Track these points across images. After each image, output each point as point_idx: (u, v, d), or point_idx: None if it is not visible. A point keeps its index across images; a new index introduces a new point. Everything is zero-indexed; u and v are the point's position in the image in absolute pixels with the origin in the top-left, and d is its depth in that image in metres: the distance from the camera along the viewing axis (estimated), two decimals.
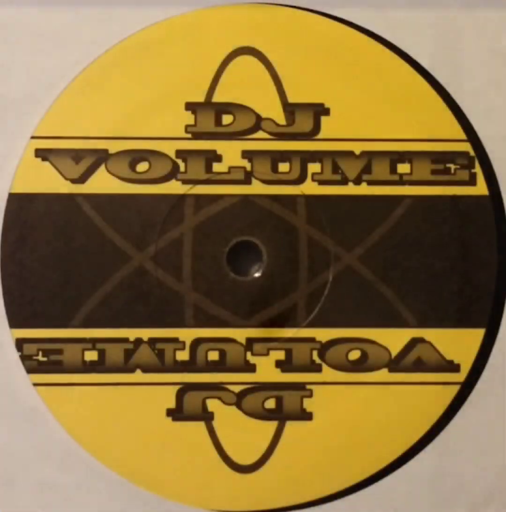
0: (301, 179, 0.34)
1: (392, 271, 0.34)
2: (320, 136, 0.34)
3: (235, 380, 0.33)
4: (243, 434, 0.33)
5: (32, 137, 0.33)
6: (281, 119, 0.34)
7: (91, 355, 0.33)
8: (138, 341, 0.33)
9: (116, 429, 0.33)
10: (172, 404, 0.33)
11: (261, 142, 0.34)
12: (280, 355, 0.33)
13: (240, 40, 0.34)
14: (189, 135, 0.34)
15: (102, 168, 0.33)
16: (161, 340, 0.33)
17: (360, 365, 0.34)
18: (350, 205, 0.34)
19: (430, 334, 0.33)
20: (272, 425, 0.33)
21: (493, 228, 0.34)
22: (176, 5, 0.34)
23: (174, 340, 0.33)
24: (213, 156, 0.34)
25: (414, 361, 0.34)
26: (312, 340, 0.33)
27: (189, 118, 0.34)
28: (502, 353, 0.34)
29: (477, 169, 0.34)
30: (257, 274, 0.34)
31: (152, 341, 0.33)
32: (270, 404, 0.33)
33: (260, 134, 0.34)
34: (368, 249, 0.34)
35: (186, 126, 0.34)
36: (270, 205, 0.34)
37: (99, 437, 0.33)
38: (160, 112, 0.33)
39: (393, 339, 0.34)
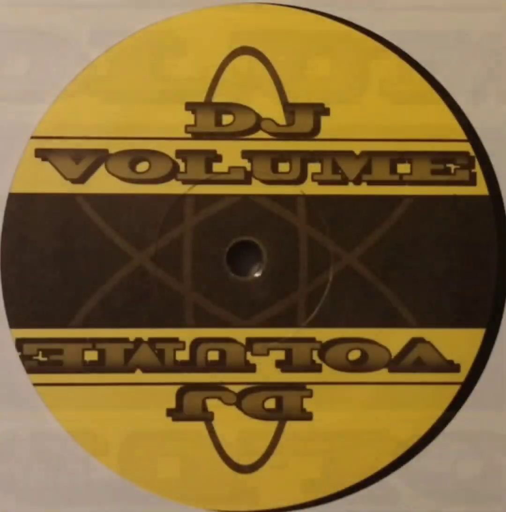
0: (301, 179, 0.34)
1: (392, 271, 0.34)
2: (320, 136, 0.34)
3: (236, 380, 0.33)
4: (243, 434, 0.33)
5: (32, 137, 0.33)
6: (281, 119, 0.34)
7: (91, 355, 0.33)
8: (138, 341, 0.33)
9: (116, 429, 0.33)
10: (172, 404, 0.33)
11: (261, 142, 0.34)
12: (280, 355, 0.33)
13: (240, 40, 0.34)
14: (189, 135, 0.34)
15: (102, 168, 0.33)
16: (161, 340, 0.33)
17: (360, 365, 0.34)
18: (350, 205, 0.34)
19: (430, 334, 0.33)
20: (272, 425, 0.33)
21: (493, 228, 0.34)
22: (176, 5, 0.34)
23: (174, 340, 0.33)
24: (213, 156, 0.34)
25: (414, 361, 0.34)
26: (312, 340, 0.33)
27: (189, 118, 0.34)
28: (502, 353, 0.34)
29: (477, 169, 0.34)
30: (257, 274, 0.34)
31: (152, 341, 0.33)
32: (270, 404, 0.33)
33: (260, 134, 0.34)
34: (368, 249, 0.34)
35: (186, 126, 0.34)
36: (270, 205, 0.34)
37: (99, 437, 0.33)
38: (160, 112, 0.33)
39: (393, 339, 0.34)
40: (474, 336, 0.34)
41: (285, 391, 0.33)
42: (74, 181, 0.33)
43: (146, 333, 0.33)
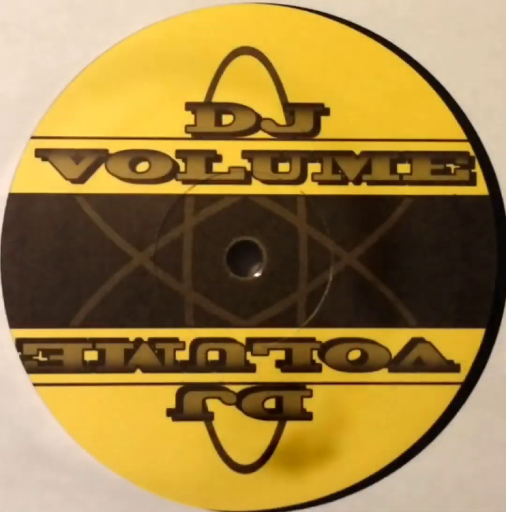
0: (301, 179, 0.34)
1: (392, 271, 0.34)
2: (319, 136, 0.34)
3: (236, 380, 0.33)
4: (243, 434, 0.33)
5: (32, 137, 0.33)
6: (281, 119, 0.34)
7: (91, 355, 0.33)
8: (138, 341, 0.33)
9: (116, 429, 0.33)
10: (172, 404, 0.33)
11: (261, 142, 0.34)
12: (280, 355, 0.34)
13: (240, 40, 0.34)
14: (189, 135, 0.34)
15: (102, 168, 0.33)
16: (161, 340, 0.33)
17: (360, 365, 0.34)
18: (350, 205, 0.34)
19: (430, 334, 0.34)
20: (272, 425, 0.33)
21: (493, 228, 0.34)
22: (176, 5, 0.34)
23: (174, 340, 0.33)
24: (213, 156, 0.34)
25: (414, 361, 0.34)
26: (312, 340, 0.34)
27: (189, 118, 0.34)
28: (502, 353, 0.34)
29: (477, 169, 0.34)
30: (257, 274, 0.34)
31: (152, 341, 0.33)
32: (270, 404, 0.33)
33: (260, 134, 0.34)
34: (367, 249, 0.34)
35: (186, 126, 0.34)
36: (270, 205, 0.34)
37: (99, 437, 0.33)
38: (160, 112, 0.34)
39: (393, 339, 0.34)
40: (474, 336, 0.34)
41: (285, 391, 0.33)
42: (74, 181, 0.33)
43: (146, 333, 0.33)
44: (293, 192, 0.34)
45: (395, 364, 0.34)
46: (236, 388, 0.33)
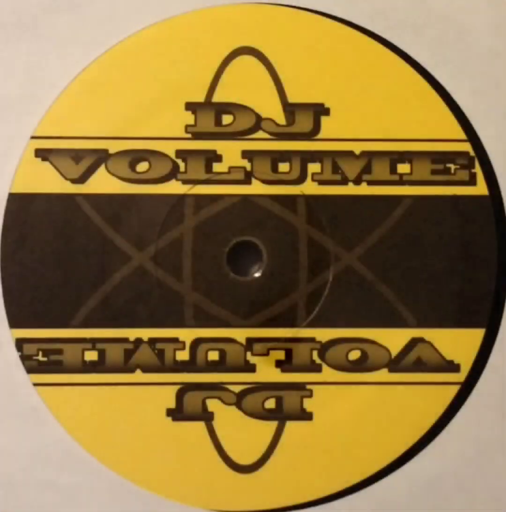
0: (301, 179, 0.34)
1: (392, 271, 0.34)
2: (320, 136, 0.34)
3: (235, 380, 0.33)
4: (243, 434, 0.33)
5: (32, 137, 0.33)
6: (280, 119, 0.34)
7: (91, 355, 0.33)
8: (138, 341, 0.33)
9: (116, 429, 0.33)
10: (172, 404, 0.33)
11: (261, 142, 0.34)
12: (280, 355, 0.34)
13: (240, 40, 0.34)
14: (189, 135, 0.34)
15: (102, 168, 0.33)
16: (161, 340, 0.33)
17: (360, 365, 0.34)
18: (350, 205, 0.34)
19: (430, 334, 0.34)
20: (272, 425, 0.33)
21: (493, 228, 0.34)
22: (176, 5, 0.34)
23: (174, 340, 0.33)
24: (213, 156, 0.34)
25: (414, 361, 0.34)
26: (312, 340, 0.34)
27: (189, 118, 0.34)
28: (502, 353, 0.34)
29: (477, 169, 0.34)
30: (257, 274, 0.34)
31: (152, 341, 0.33)
32: (270, 404, 0.34)
33: (260, 134, 0.34)
34: (368, 249, 0.34)
35: (186, 126, 0.34)
36: (270, 205, 0.34)
37: (99, 437, 0.33)
38: (160, 112, 0.34)
39: (393, 339, 0.34)
40: (474, 336, 0.34)
41: (285, 391, 0.34)
42: (74, 181, 0.33)
43: (146, 333, 0.33)
44: (293, 192, 0.34)
45: (395, 364, 0.34)
46: (236, 388, 0.33)
